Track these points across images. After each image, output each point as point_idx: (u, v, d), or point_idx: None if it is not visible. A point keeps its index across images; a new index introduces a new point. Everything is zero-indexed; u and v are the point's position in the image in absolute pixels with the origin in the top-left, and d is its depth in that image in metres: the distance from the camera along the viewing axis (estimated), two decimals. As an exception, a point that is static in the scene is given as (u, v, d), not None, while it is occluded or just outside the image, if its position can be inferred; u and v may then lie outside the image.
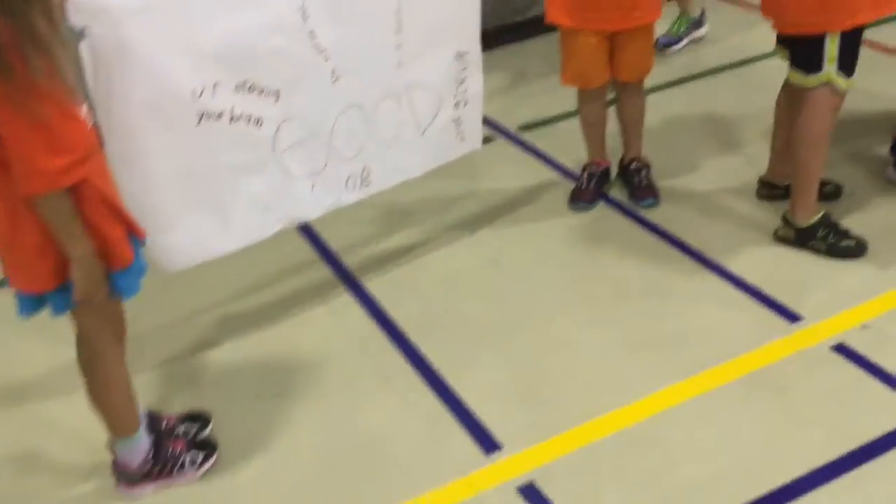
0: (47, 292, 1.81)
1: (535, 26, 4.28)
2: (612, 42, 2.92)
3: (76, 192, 1.71)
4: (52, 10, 1.56)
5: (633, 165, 3.14)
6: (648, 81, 3.11)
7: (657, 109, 3.45)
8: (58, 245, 1.74)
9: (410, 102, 2.68)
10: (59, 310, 1.84)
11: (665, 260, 2.84)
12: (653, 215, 3.04)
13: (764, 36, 3.10)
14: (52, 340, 2.65)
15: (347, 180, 2.64)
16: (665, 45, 4.21)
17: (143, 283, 1.95)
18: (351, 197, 2.67)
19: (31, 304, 1.85)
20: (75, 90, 1.61)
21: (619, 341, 2.53)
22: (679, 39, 4.27)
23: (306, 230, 3.10)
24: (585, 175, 3.17)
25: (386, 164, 2.70)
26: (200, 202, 2.32)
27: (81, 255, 1.75)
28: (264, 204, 2.46)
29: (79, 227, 1.73)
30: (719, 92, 3.86)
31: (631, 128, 3.14)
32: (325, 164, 2.56)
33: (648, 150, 3.19)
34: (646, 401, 2.32)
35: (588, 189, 3.15)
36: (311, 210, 2.61)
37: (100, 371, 2.00)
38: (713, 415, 2.26)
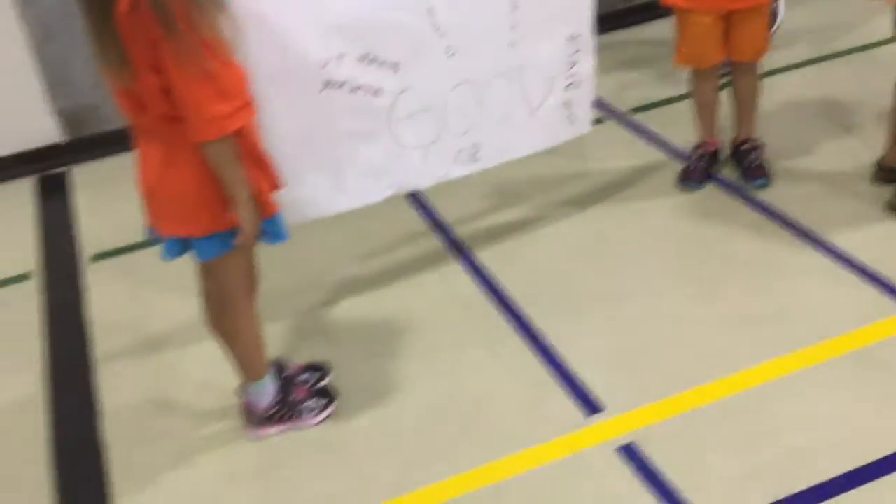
0: (197, 238, 1.97)
1: (648, 11, 4.32)
2: (727, 22, 2.93)
3: (237, 140, 1.85)
4: None
5: (746, 146, 3.15)
6: (765, 64, 3.11)
7: (773, 92, 3.45)
8: (214, 193, 1.89)
9: (522, 82, 2.76)
10: (205, 255, 2.00)
11: (773, 237, 2.85)
12: (763, 195, 3.05)
13: (882, 23, 3.07)
14: (184, 295, 2.89)
15: (457, 154, 2.74)
16: None
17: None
18: (460, 170, 2.78)
19: (176, 249, 2.02)
20: (232, 41, 1.75)
21: (724, 315, 2.57)
22: None
23: (420, 203, 3.25)
24: (696, 155, 3.20)
25: (495, 142, 2.79)
26: (319, 163, 2.47)
27: (246, 198, 1.90)
28: (377, 170, 2.60)
29: (242, 171, 1.89)
30: (836, 76, 3.81)
31: (744, 108, 3.14)
32: (437, 137, 2.67)
33: (762, 132, 3.20)
34: (750, 372, 2.36)
35: (697, 169, 3.17)
36: (421, 179, 2.73)
37: (233, 319, 2.17)
38: (817, 388, 2.29)
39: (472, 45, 2.60)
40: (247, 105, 1.82)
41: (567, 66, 2.84)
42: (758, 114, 3.16)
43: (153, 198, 1.96)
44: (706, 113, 3.19)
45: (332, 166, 2.52)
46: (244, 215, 1.91)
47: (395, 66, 2.49)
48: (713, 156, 3.22)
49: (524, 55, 2.72)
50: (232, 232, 1.95)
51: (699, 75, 3.11)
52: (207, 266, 2.06)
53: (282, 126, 2.33)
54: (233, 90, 1.78)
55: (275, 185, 2.02)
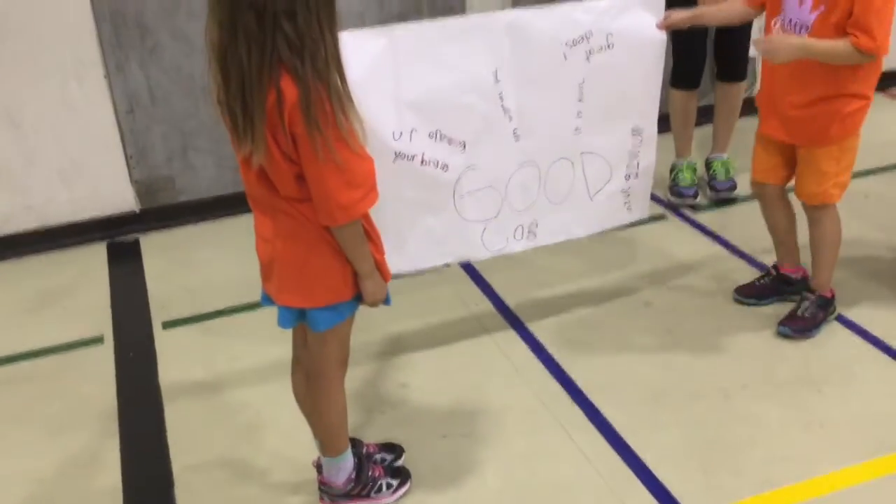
0: (315, 309, 2.03)
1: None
2: (795, 152, 2.81)
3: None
4: (342, 66, 1.80)
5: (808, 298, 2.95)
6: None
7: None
8: (333, 267, 1.97)
9: (584, 167, 2.87)
10: (321, 326, 2.05)
11: (847, 346, 2.86)
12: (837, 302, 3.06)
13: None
14: (256, 364, 2.93)
15: (516, 230, 2.85)
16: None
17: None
18: (517, 246, 2.88)
19: (292, 318, 2.07)
20: (361, 133, 1.84)
21: (797, 418, 2.56)
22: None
23: (488, 289, 3.29)
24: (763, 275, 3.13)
25: (553, 221, 2.89)
26: (383, 226, 2.52)
27: (371, 270, 2.00)
28: (438, 238, 2.71)
29: (368, 247, 1.97)
30: None
31: (812, 251, 2.94)
32: (498, 213, 2.78)
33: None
34: (825, 478, 2.34)
35: (760, 286, 3.11)
36: (480, 252, 2.83)
37: (324, 392, 2.20)
38: (893, 499, 2.26)
39: (538, 129, 2.72)
40: (372, 189, 1.90)
41: (629, 157, 2.94)
42: (830, 267, 2.92)
43: (272, 268, 2.02)
44: (775, 236, 3.05)
45: (395, 229, 2.61)
46: (368, 287, 2.01)
47: (463, 144, 2.62)
48: (782, 280, 3.07)
49: (588, 142, 2.83)
50: (347, 303, 2.01)
51: (763, 197, 2.98)
52: (312, 336, 2.10)
53: None
54: (361, 178, 1.86)
55: (383, 252, 2.09)
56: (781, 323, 2.92)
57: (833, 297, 2.95)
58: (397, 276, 2.59)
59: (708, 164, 3.96)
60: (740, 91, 3.84)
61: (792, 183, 2.88)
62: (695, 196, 3.83)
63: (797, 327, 2.90)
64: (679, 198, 3.84)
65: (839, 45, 2.49)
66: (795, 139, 2.76)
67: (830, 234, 2.87)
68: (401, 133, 2.49)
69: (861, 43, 2.47)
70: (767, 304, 3.07)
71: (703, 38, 3.72)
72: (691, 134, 3.92)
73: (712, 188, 3.88)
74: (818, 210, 2.83)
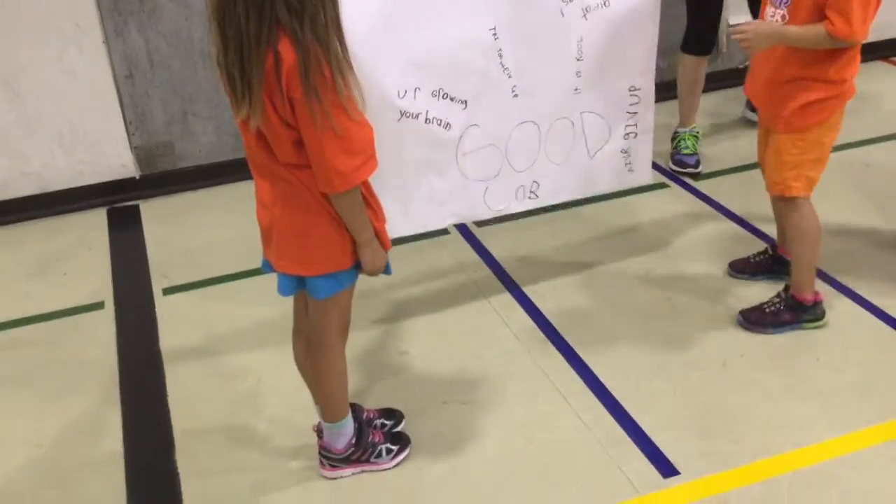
0: (315, 277, 2.03)
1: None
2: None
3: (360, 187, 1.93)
4: (342, 32, 1.79)
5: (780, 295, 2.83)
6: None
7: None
8: (331, 235, 1.96)
9: (583, 126, 2.87)
10: (321, 294, 2.05)
11: (845, 314, 2.86)
12: (830, 268, 3.06)
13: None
14: (255, 329, 2.94)
15: (517, 190, 2.87)
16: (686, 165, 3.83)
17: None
18: (519, 206, 2.90)
19: (292, 286, 2.08)
20: (360, 99, 1.83)
21: (798, 386, 2.57)
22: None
23: (487, 256, 3.30)
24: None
25: (554, 181, 2.91)
26: (387, 188, 2.54)
27: (370, 239, 1.99)
28: (441, 199, 2.74)
29: (367, 215, 1.97)
30: None
31: (788, 248, 2.86)
32: (499, 172, 2.80)
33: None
34: (826, 444, 2.36)
35: (754, 262, 3.08)
36: (482, 211, 2.86)
37: (324, 359, 2.20)
38: (894, 464, 2.28)
39: (537, 87, 2.73)
40: (371, 157, 1.89)
41: (627, 116, 2.94)
42: (805, 268, 2.75)
43: (272, 234, 2.02)
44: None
45: (400, 191, 2.64)
46: (366, 256, 2.00)
47: (464, 102, 2.63)
48: (779, 261, 3.00)
49: (587, 101, 2.84)
50: (346, 272, 2.01)
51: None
52: (313, 303, 2.10)
53: None
54: (361, 146, 1.85)
55: (384, 220, 2.09)
56: (741, 311, 2.83)
57: (815, 304, 2.76)
58: (399, 240, 2.61)
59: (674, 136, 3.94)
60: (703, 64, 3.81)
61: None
62: (696, 165, 3.82)
63: (752, 318, 2.79)
64: (680, 166, 3.83)
65: (812, 29, 2.40)
66: (762, 116, 2.75)
67: (801, 231, 2.69)
68: (405, 91, 2.51)
69: (836, 28, 2.35)
70: (759, 280, 3.03)
71: (719, 3, 3.71)
72: (698, 102, 3.90)
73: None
74: (783, 203, 2.69)
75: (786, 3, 2.48)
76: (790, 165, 2.60)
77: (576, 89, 2.80)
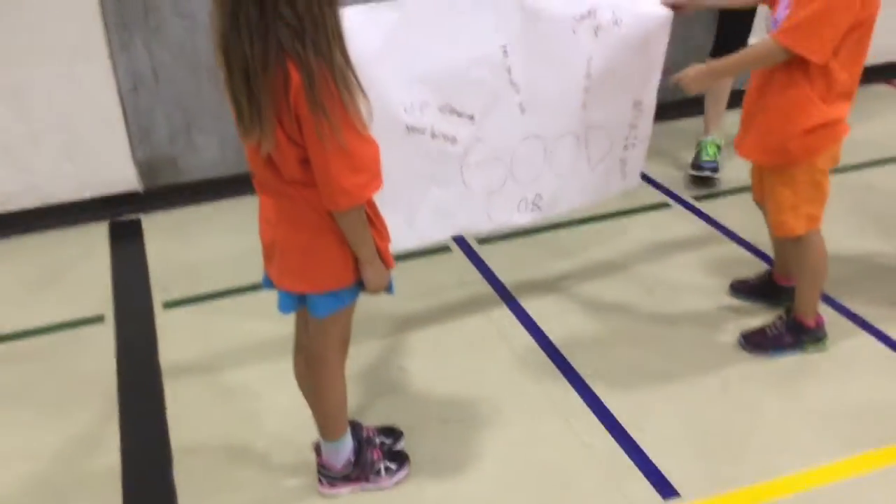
0: (315, 294, 2.02)
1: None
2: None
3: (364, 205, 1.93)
4: (346, 45, 1.79)
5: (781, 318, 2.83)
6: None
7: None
8: (334, 253, 1.96)
9: (587, 140, 2.89)
10: (320, 312, 2.05)
11: (848, 337, 2.85)
12: (835, 292, 3.05)
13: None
14: (256, 346, 2.93)
15: (520, 203, 2.88)
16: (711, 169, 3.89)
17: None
18: (522, 219, 2.91)
19: (292, 303, 2.07)
20: (366, 114, 1.83)
21: (799, 409, 2.56)
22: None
23: (487, 272, 3.30)
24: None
25: (556, 193, 2.92)
26: (393, 202, 2.52)
27: (372, 257, 1.98)
28: (445, 211, 2.74)
29: (370, 234, 1.96)
30: None
31: (792, 274, 2.87)
32: (503, 185, 2.80)
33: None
34: (827, 467, 2.35)
35: (752, 284, 3.07)
36: (484, 223, 2.87)
37: (323, 376, 2.20)
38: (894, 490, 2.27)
39: (545, 103, 2.74)
40: (377, 175, 1.88)
41: (629, 128, 2.97)
42: (809, 296, 2.74)
43: (274, 251, 2.01)
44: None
45: (406, 204, 2.64)
46: (368, 274, 2.00)
47: (471, 118, 2.63)
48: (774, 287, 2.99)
49: (593, 116, 2.85)
50: (348, 290, 2.00)
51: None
52: (313, 321, 2.09)
53: None
54: (366, 163, 1.85)
55: (388, 240, 2.08)
56: (742, 333, 2.83)
57: (817, 327, 2.76)
58: (400, 256, 2.60)
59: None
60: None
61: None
62: (714, 170, 3.85)
63: (753, 341, 2.79)
64: (698, 170, 3.88)
65: (751, 47, 2.39)
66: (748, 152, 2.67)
67: (805, 261, 2.68)
68: (412, 106, 2.51)
69: (780, 36, 2.30)
70: (758, 302, 3.01)
71: (751, 14, 3.72)
72: (722, 111, 3.93)
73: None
74: (790, 241, 2.69)
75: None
76: (787, 206, 2.58)
77: (583, 105, 2.81)
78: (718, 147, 3.93)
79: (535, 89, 2.70)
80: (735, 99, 3.86)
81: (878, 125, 4.33)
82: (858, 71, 2.43)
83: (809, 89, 2.41)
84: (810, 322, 2.75)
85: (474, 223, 2.86)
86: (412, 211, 2.68)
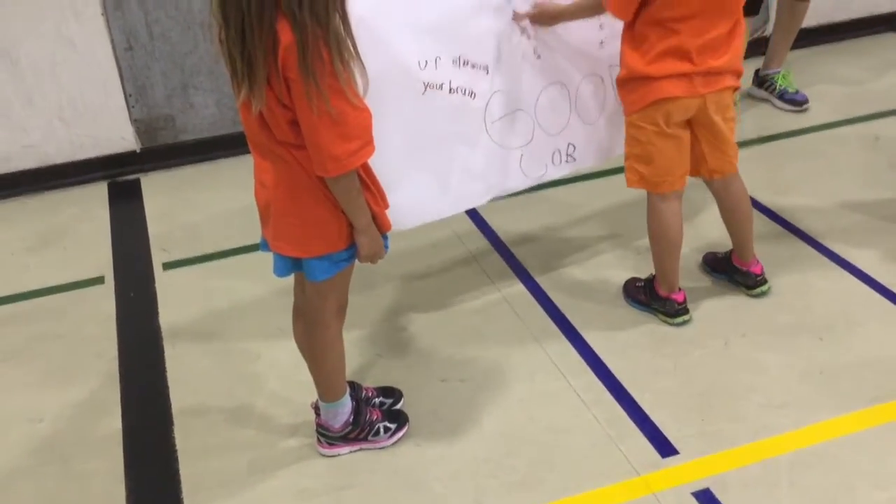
0: (309, 259, 2.01)
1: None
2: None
3: (357, 171, 1.91)
4: (346, 9, 1.75)
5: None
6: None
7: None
8: (328, 217, 1.94)
9: (612, 80, 2.75)
10: (316, 276, 2.04)
11: (850, 293, 2.83)
12: (839, 247, 3.02)
13: None
14: (256, 306, 2.93)
15: (553, 154, 2.78)
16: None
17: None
18: (557, 171, 2.81)
19: (287, 267, 2.06)
20: (362, 84, 1.79)
21: (797, 366, 2.55)
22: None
23: (489, 232, 3.27)
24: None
25: (590, 141, 2.82)
26: (422, 167, 2.50)
27: (367, 224, 1.97)
28: (477, 173, 2.63)
29: (363, 200, 1.94)
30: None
31: None
32: (532, 138, 2.70)
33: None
34: (827, 423, 2.34)
35: (719, 258, 2.95)
36: (520, 180, 2.76)
37: (321, 339, 2.19)
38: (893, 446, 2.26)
39: (560, 46, 2.63)
40: (368, 143, 1.86)
41: None
42: (657, 262, 2.75)
43: (268, 213, 2.00)
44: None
45: (436, 169, 2.55)
46: (363, 241, 1.98)
47: (486, 68, 2.53)
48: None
49: (613, 53, 2.68)
50: (343, 254, 1.99)
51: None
52: (309, 285, 2.08)
53: (388, 127, 2.28)
54: (358, 130, 1.82)
55: (385, 205, 2.06)
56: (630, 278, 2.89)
57: (667, 299, 2.71)
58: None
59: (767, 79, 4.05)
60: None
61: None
62: (806, 101, 3.97)
63: (625, 286, 2.87)
64: (794, 105, 3.95)
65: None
66: None
67: (649, 225, 2.68)
68: (426, 61, 2.41)
69: None
70: (719, 278, 2.91)
71: None
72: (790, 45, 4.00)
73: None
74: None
75: None
76: (626, 154, 2.62)
77: (601, 42, 2.70)
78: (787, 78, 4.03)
79: (547, 32, 2.60)
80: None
81: (887, 74, 4.26)
82: (675, 32, 2.37)
83: (625, 44, 2.48)
84: (661, 290, 2.74)
85: (509, 182, 2.74)
86: (443, 175, 2.58)
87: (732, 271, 2.87)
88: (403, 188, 2.38)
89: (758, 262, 2.82)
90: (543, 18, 2.55)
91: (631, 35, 2.46)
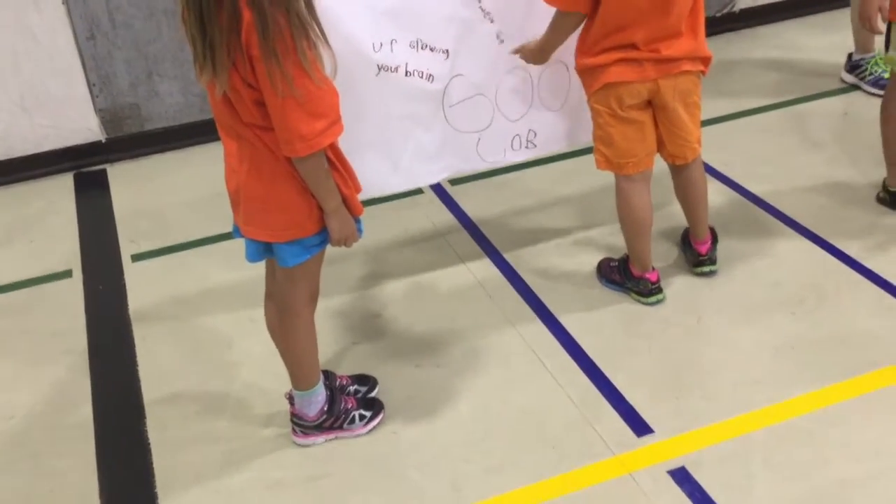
0: (280, 243, 1.99)
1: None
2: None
3: (326, 153, 1.88)
4: None
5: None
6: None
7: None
8: (298, 201, 1.92)
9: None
10: (287, 261, 2.01)
11: (821, 268, 2.84)
12: (811, 223, 3.03)
13: None
14: (225, 296, 2.90)
15: (513, 140, 2.77)
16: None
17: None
18: (516, 156, 2.82)
19: (259, 252, 2.04)
20: (329, 66, 1.77)
21: (773, 341, 2.56)
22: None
23: (461, 215, 3.26)
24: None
25: (552, 129, 2.81)
26: (373, 146, 2.50)
27: (336, 207, 1.94)
28: (430, 153, 2.65)
29: (332, 182, 1.92)
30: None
31: None
32: (491, 122, 2.70)
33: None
34: (800, 398, 2.35)
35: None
36: (476, 163, 2.77)
37: (293, 326, 2.17)
38: (869, 417, 2.28)
39: (524, 31, 2.61)
40: (336, 122, 1.83)
41: None
42: (628, 243, 2.76)
43: (238, 198, 1.98)
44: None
45: (387, 148, 2.56)
46: (333, 225, 1.96)
47: (446, 52, 2.53)
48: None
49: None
50: (314, 239, 1.97)
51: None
52: (281, 271, 2.06)
53: (342, 107, 2.30)
54: (324, 109, 1.80)
55: (357, 188, 2.04)
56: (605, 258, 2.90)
57: (640, 279, 2.72)
58: (371, 201, 2.55)
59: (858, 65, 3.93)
60: None
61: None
62: None
63: (599, 266, 2.87)
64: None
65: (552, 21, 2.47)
66: None
67: (617, 206, 2.69)
68: (381, 44, 2.41)
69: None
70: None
71: None
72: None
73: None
74: None
75: None
76: (593, 136, 2.63)
77: None
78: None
79: (511, 17, 2.58)
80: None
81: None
82: (621, 29, 2.39)
83: (580, 39, 2.51)
84: (634, 270, 2.74)
85: (465, 164, 2.76)
86: (396, 155, 2.59)
87: (686, 246, 2.90)
88: (354, 164, 2.35)
89: (706, 242, 2.81)
90: (533, 56, 2.56)
91: (583, 27, 2.48)
